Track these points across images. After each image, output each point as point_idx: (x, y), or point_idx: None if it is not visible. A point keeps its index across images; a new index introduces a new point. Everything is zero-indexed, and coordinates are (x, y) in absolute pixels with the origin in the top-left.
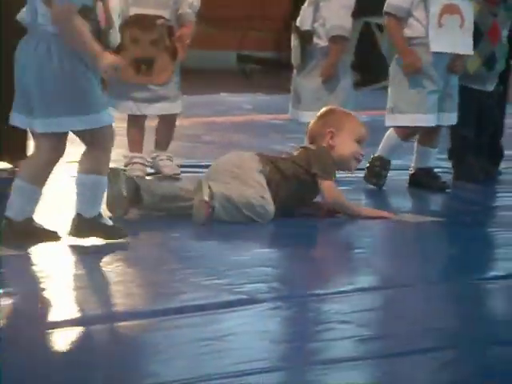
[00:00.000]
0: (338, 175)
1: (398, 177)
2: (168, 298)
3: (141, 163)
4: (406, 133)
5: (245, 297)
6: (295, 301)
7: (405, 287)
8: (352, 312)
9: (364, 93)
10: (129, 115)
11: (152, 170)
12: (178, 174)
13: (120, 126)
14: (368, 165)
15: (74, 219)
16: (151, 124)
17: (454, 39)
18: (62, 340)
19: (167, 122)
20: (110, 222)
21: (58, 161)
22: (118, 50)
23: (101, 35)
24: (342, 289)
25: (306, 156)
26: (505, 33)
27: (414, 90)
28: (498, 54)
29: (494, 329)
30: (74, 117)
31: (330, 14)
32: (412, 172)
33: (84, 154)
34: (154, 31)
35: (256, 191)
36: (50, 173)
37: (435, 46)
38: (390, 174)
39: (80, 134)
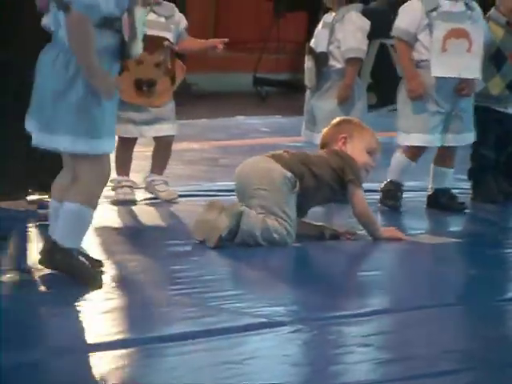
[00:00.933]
0: None
1: (416, 198)
2: (187, 322)
3: (129, 186)
4: (413, 153)
5: (264, 320)
6: (314, 324)
7: (423, 309)
8: (371, 335)
9: (381, 114)
10: (120, 138)
11: (146, 195)
12: (176, 198)
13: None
14: (382, 188)
15: (47, 246)
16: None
17: (458, 63)
18: (79, 365)
19: (164, 145)
20: (87, 263)
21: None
22: (121, 70)
23: (124, 46)
24: (360, 311)
25: (340, 160)
26: None
27: (418, 111)
28: None
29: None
30: (74, 137)
31: (345, 36)
32: (429, 193)
33: (75, 182)
34: (159, 53)
35: (280, 225)
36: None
37: (436, 71)
38: (408, 195)
39: (77, 159)
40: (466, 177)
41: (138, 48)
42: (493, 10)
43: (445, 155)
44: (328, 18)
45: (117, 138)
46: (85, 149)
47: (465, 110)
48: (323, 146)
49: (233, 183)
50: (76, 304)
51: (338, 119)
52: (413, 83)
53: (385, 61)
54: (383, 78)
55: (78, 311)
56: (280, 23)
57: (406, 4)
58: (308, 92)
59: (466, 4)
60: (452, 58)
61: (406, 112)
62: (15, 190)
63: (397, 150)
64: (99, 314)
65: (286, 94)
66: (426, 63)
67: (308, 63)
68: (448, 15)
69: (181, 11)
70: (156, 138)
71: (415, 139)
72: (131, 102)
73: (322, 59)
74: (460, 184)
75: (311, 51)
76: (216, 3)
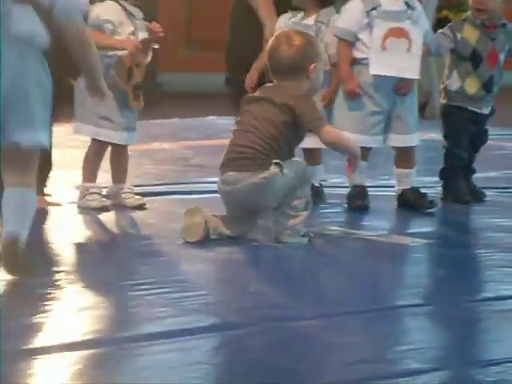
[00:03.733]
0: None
1: (385, 198)
2: (157, 322)
3: (98, 193)
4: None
5: (231, 320)
6: (285, 325)
7: (394, 309)
8: (336, 335)
9: None
10: (96, 142)
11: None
12: (144, 205)
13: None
14: (347, 200)
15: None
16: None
17: (397, 62)
18: (48, 367)
19: (123, 152)
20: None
21: None
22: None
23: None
24: (330, 312)
25: (303, 107)
26: (502, 56)
27: (354, 111)
28: (496, 78)
29: (483, 351)
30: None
31: (332, 40)
32: (398, 193)
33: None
34: (147, 55)
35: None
36: None
37: (374, 69)
38: (377, 194)
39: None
40: (435, 178)
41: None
42: (469, 12)
43: (402, 156)
44: (297, 19)
45: (91, 141)
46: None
47: (406, 110)
48: (289, 72)
49: (205, 182)
50: (45, 303)
51: (299, 40)
52: (350, 84)
53: None
54: None
55: (47, 310)
56: None
57: (346, 4)
58: None
59: (406, 3)
60: (391, 56)
61: (344, 111)
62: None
63: None
64: (68, 313)
65: None
66: (366, 61)
67: None
68: (388, 14)
69: (152, 10)
70: (115, 145)
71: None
72: (129, 107)
73: None
74: (430, 184)
75: None
76: (189, 1)
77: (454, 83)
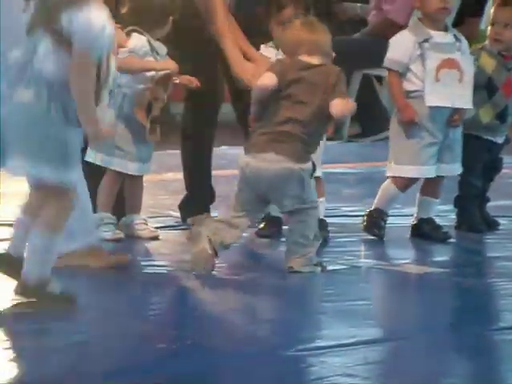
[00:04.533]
0: (339, 226)
1: (398, 226)
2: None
3: (112, 223)
4: (405, 184)
5: (250, 350)
6: (298, 354)
7: (408, 339)
8: (356, 365)
9: (365, 144)
10: (111, 172)
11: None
12: (158, 236)
13: None
14: (366, 217)
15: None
16: None
17: (451, 93)
18: None
19: (140, 183)
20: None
21: None
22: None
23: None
24: (344, 341)
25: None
26: None
27: (412, 142)
28: (511, 108)
29: (499, 380)
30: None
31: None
32: (414, 222)
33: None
34: (167, 91)
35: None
36: None
37: (430, 101)
38: (391, 224)
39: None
40: (447, 206)
41: (105, 96)
42: (486, 42)
43: (433, 185)
44: None
45: (107, 171)
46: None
47: (456, 140)
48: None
49: None
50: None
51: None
52: (406, 113)
53: (368, 91)
54: (366, 108)
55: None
56: None
57: (396, 36)
58: None
59: (455, 36)
60: (445, 87)
61: (400, 143)
62: None
63: (388, 179)
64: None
65: None
66: (419, 93)
67: None
68: (440, 46)
69: None
70: (130, 176)
71: (409, 171)
72: (146, 140)
73: None
74: (443, 213)
75: None
76: None
77: (469, 112)
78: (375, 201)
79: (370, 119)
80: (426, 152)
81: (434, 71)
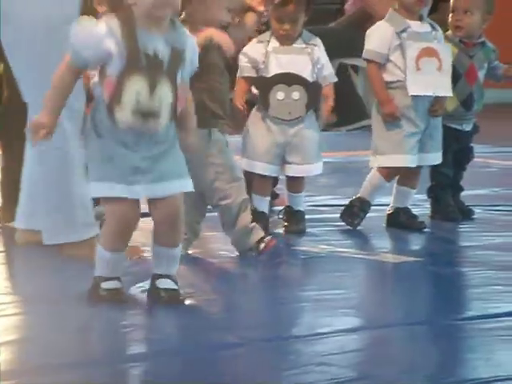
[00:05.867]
0: (315, 216)
1: (374, 216)
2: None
3: None
4: (389, 173)
5: (230, 340)
6: (274, 343)
7: (384, 328)
8: (331, 354)
9: (341, 134)
10: None
11: None
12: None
13: None
14: (347, 205)
15: None
16: None
17: (431, 82)
18: None
19: None
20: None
21: None
22: None
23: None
24: (320, 330)
25: None
26: (481, 74)
27: (393, 132)
28: (476, 95)
29: (471, 369)
30: None
31: (326, 60)
32: (389, 212)
33: None
34: None
35: None
36: None
37: (413, 90)
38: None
39: None
40: (423, 196)
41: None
42: (449, 31)
43: (411, 175)
44: (276, 44)
45: None
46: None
47: (436, 129)
48: None
49: None
50: None
51: None
52: (388, 107)
53: (344, 81)
54: (342, 97)
55: None
56: None
57: (374, 27)
58: (273, 124)
59: (431, 25)
60: (426, 76)
61: (382, 134)
62: None
63: (373, 169)
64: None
65: None
66: (400, 84)
67: (294, 94)
68: (418, 35)
69: None
70: None
71: (393, 161)
72: None
73: (317, 89)
74: (419, 202)
75: (301, 81)
76: None
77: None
78: (361, 189)
79: (346, 109)
80: (408, 141)
81: (414, 60)
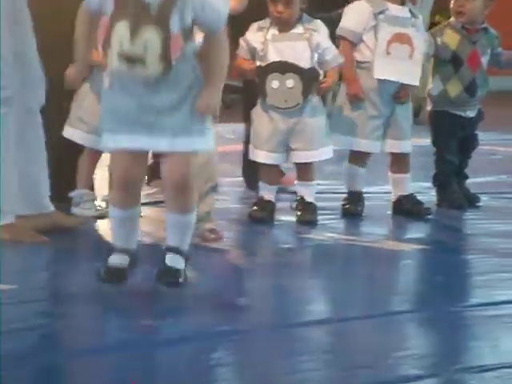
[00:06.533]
0: (322, 204)
1: (380, 204)
2: None
3: (92, 200)
4: (356, 158)
5: (227, 328)
6: (280, 330)
7: (390, 315)
8: (333, 341)
9: None
10: (89, 149)
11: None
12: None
13: None
14: (343, 203)
15: None
16: None
17: (400, 68)
18: None
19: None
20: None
21: None
22: None
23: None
24: (326, 317)
25: None
26: (485, 60)
27: (355, 114)
28: (479, 81)
29: (478, 356)
30: None
31: (328, 44)
32: (394, 199)
33: None
34: None
35: None
36: None
37: (379, 73)
38: (372, 202)
39: None
40: (428, 183)
41: (111, 61)
42: (451, 18)
43: (397, 162)
44: (275, 30)
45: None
46: None
47: (404, 117)
48: None
49: None
50: None
51: None
52: (353, 87)
53: None
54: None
55: None
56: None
57: (352, 4)
58: (274, 112)
59: (410, 11)
60: (394, 62)
61: (343, 114)
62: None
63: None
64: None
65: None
66: (368, 65)
67: (288, 82)
68: (395, 19)
69: None
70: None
71: (354, 144)
72: None
73: (313, 75)
74: (423, 189)
75: (294, 68)
76: None
77: (437, 88)
78: (345, 184)
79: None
80: (368, 124)
81: (385, 44)
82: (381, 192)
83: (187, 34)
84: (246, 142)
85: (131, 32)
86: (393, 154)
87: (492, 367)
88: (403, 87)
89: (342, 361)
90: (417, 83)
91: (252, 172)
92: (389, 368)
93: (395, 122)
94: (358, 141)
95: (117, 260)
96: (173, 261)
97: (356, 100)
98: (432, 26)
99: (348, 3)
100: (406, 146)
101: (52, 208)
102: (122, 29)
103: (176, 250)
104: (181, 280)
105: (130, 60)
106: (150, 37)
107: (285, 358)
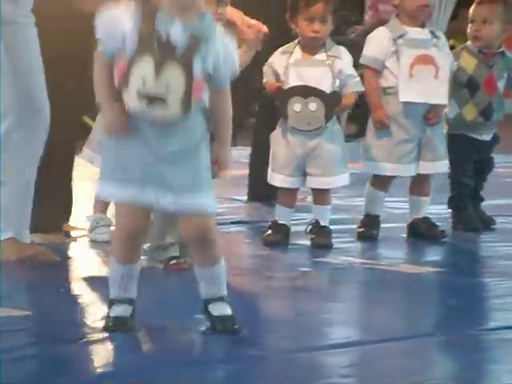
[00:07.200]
0: (336, 227)
1: (395, 227)
2: None
3: (108, 225)
4: (379, 182)
5: (243, 352)
6: (294, 355)
7: (406, 339)
8: (351, 366)
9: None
10: None
11: None
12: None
13: None
14: (358, 225)
15: None
16: None
17: (426, 89)
18: None
19: None
20: None
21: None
22: None
23: None
24: (341, 342)
25: None
26: (501, 84)
27: (385, 139)
28: (495, 105)
29: (495, 380)
30: None
31: (351, 69)
32: (409, 222)
33: None
34: None
35: None
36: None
37: (404, 96)
38: (387, 225)
39: None
40: (445, 205)
41: (129, 100)
42: (468, 42)
43: (420, 184)
44: (298, 56)
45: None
46: None
47: (437, 138)
48: None
49: None
50: None
51: None
52: (378, 113)
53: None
54: (363, 108)
55: None
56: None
57: (374, 32)
58: (293, 136)
59: (432, 32)
60: (419, 83)
61: (374, 140)
62: (53, 227)
63: (368, 181)
64: None
65: None
66: (394, 90)
67: (311, 105)
68: (414, 42)
69: None
70: None
71: (383, 169)
72: None
73: (335, 99)
74: (440, 212)
75: (317, 92)
76: None
77: (453, 111)
78: (364, 206)
79: (365, 119)
80: (399, 149)
81: (407, 67)
82: (395, 214)
83: (206, 80)
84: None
85: (155, 70)
86: (417, 176)
87: None
88: (432, 108)
89: None
90: (445, 102)
91: (257, 183)
92: None
93: (429, 143)
94: (391, 166)
95: (120, 312)
96: (219, 309)
97: (381, 126)
98: None
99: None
100: (442, 166)
101: (29, 240)
102: (145, 66)
103: (218, 299)
104: (236, 326)
105: (151, 99)
106: (174, 76)
107: (301, 383)
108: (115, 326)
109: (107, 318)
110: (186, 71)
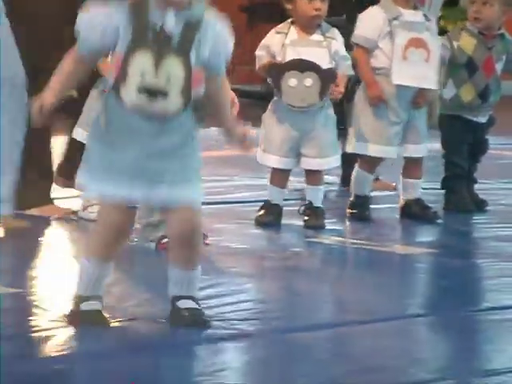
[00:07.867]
0: (329, 207)
1: (389, 207)
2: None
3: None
4: (369, 165)
5: (235, 332)
6: (288, 335)
7: (398, 320)
8: (342, 345)
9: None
10: None
11: None
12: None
13: None
14: (349, 207)
15: None
16: None
17: (417, 73)
18: None
19: None
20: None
21: None
22: None
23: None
24: (333, 322)
25: None
26: (499, 66)
27: (375, 120)
28: (492, 87)
29: (486, 360)
30: None
31: (343, 52)
32: (402, 204)
33: None
34: None
35: None
36: None
37: (397, 79)
38: (380, 206)
39: None
40: (438, 186)
41: (128, 95)
42: (468, 22)
43: (412, 166)
44: (295, 36)
45: None
46: None
47: (421, 121)
48: None
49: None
50: None
51: None
52: (375, 90)
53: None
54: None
55: None
56: (253, 34)
57: (366, 11)
58: (287, 116)
59: (425, 15)
60: (412, 67)
61: (363, 120)
62: (42, 201)
63: (356, 164)
64: None
65: (259, 106)
66: (385, 71)
67: (306, 80)
68: (409, 24)
69: None
70: None
71: (373, 150)
72: None
73: (330, 76)
74: (432, 192)
75: (314, 67)
76: None
77: (450, 91)
78: (351, 188)
79: (343, 107)
80: (389, 131)
81: (401, 49)
82: (387, 195)
83: (203, 68)
84: None
85: (154, 63)
86: (407, 159)
87: (499, 371)
88: (421, 92)
89: (352, 365)
90: (435, 87)
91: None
92: (397, 372)
93: (413, 126)
94: (380, 148)
95: (92, 306)
96: (187, 304)
97: (378, 102)
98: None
99: (359, 8)
100: (422, 149)
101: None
102: (143, 60)
103: (187, 297)
104: (205, 318)
105: (152, 93)
106: (174, 68)
107: (293, 362)
108: (91, 319)
109: (81, 312)
110: (185, 62)
